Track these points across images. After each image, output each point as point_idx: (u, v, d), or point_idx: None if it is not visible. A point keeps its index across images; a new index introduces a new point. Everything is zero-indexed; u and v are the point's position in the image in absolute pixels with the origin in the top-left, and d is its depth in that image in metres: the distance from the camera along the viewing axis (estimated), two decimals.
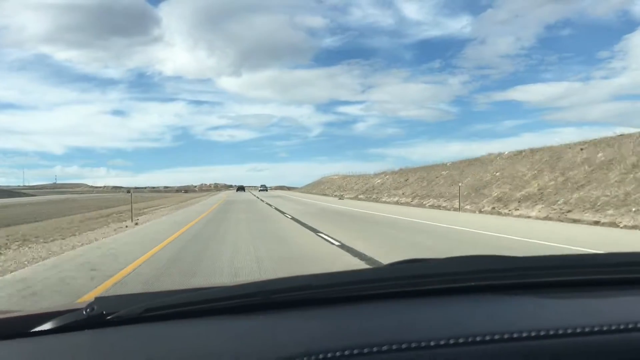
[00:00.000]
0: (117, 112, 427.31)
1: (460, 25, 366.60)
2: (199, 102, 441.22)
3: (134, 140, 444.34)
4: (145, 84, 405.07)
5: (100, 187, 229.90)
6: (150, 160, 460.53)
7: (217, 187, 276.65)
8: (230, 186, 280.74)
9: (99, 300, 1.01)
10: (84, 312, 0.97)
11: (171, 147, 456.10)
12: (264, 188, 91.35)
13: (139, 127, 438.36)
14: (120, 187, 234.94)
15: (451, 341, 0.80)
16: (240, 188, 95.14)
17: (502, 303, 1.06)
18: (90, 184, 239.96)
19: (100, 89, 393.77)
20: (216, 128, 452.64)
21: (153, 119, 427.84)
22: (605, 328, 0.84)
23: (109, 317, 0.96)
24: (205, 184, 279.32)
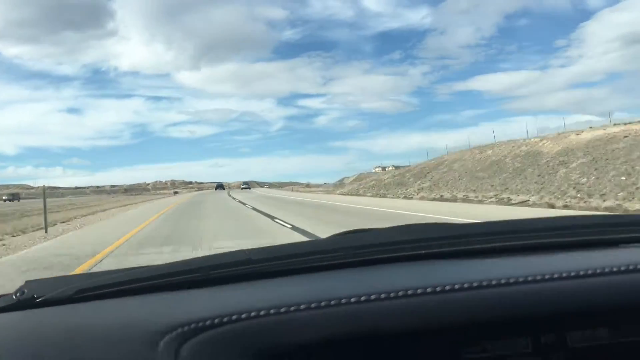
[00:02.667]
0: (73, 110, 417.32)
1: (420, 15, 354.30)
2: (157, 98, 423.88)
3: (91, 138, 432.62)
4: (100, 80, 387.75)
5: (38, 187, 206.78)
6: (108, 159, 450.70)
7: (174, 185, 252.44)
8: (190, 183, 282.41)
9: (29, 283, 1.00)
10: (14, 297, 0.96)
11: (130, 144, 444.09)
12: (247, 186, 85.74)
13: (96, 125, 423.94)
14: (58, 188, 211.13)
15: (382, 296, 0.81)
16: (219, 186, 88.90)
17: (444, 266, 1.05)
18: (32, 184, 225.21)
19: (54, 86, 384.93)
20: (176, 124, 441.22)
21: (110, 116, 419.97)
22: (537, 278, 0.86)
23: (38, 300, 0.95)
24: (161, 182, 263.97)
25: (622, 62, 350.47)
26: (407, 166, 44.98)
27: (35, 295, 0.95)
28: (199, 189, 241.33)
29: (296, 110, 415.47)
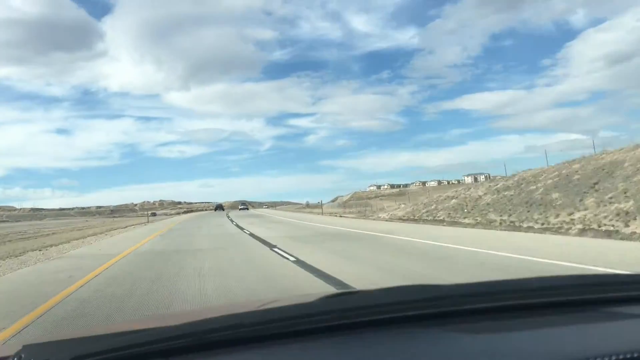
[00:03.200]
0: (62, 131, 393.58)
1: (407, 36, 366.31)
2: (147, 119, 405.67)
3: (80, 159, 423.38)
4: (90, 101, 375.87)
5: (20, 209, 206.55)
6: (98, 179, 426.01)
7: (163, 206, 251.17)
8: (179, 203, 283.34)
9: (26, 348, 1.00)
10: None
11: (119, 165, 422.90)
12: (245, 206, 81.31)
13: (85, 146, 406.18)
14: (41, 209, 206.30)
15: None
16: (219, 207, 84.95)
17: (428, 338, 1.09)
18: (17, 206, 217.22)
19: (43, 107, 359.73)
20: (165, 144, 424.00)
21: (99, 136, 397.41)
22: None
23: None
24: (149, 202, 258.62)
25: (606, 81, 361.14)
26: (505, 176, 27.52)
27: None
28: (189, 209, 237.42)
29: (285, 129, 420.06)
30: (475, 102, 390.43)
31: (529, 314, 1.17)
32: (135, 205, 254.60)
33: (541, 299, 1.21)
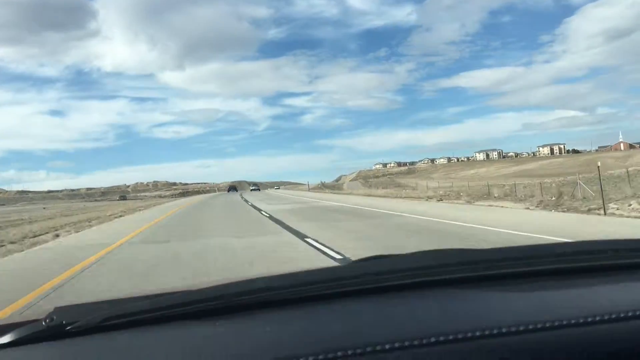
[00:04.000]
0: (56, 112, 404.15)
1: (405, 12, 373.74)
2: (141, 99, 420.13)
3: (75, 140, 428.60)
4: (84, 82, 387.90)
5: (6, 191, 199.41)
6: (93, 161, 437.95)
7: (157, 187, 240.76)
8: (174, 184, 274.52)
9: (58, 310, 1.01)
10: (43, 323, 0.97)
11: (114, 146, 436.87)
12: (256, 187, 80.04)
13: (80, 127, 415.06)
14: (27, 192, 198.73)
15: (416, 342, 0.82)
16: (232, 188, 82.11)
17: (466, 298, 1.08)
18: (7, 189, 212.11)
19: (36, 88, 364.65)
20: (161, 125, 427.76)
21: (94, 117, 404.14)
22: (573, 321, 0.87)
23: (68, 328, 0.96)
24: (142, 183, 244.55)
25: (605, 57, 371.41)
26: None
27: (64, 322, 0.97)
28: (184, 191, 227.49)
29: (282, 109, 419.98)
30: (473, 79, 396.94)
31: (565, 277, 1.18)
32: (128, 187, 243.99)
33: (577, 263, 1.23)
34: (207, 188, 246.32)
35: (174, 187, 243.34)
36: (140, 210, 30.05)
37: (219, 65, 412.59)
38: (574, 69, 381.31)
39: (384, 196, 31.84)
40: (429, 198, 24.59)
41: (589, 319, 0.88)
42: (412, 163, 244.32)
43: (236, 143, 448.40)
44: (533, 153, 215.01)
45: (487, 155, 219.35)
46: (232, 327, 0.98)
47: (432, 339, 0.82)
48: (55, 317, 0.97)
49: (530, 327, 0.85)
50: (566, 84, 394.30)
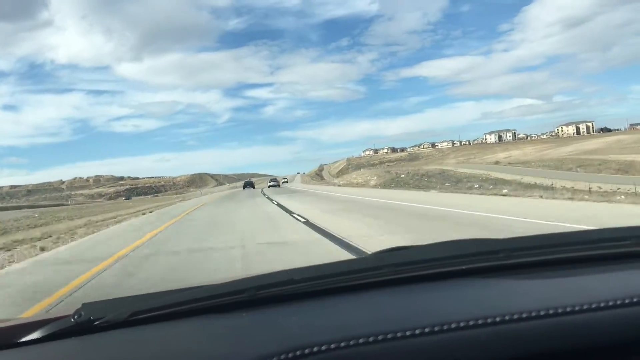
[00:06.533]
0: (8, 107, 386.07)
1: (366, 1, 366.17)
2: (98, 92, 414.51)
3: (29, 136, 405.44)
4: (37, 75, 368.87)
5: None
6: (48, 156, 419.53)
7: (99, 182, 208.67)
8: (121, 179, 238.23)
9: (86, 306, 1.02)
10: (72, 319, 0.99)
11: (71, 141, 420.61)
12: (276, 183, 63.66)
13: (34, 122, 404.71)
14: None
15: (436, 328, 0.83)
16: (249, 184, 66.81)
17: (487, 286, 1.09)
18: None
19: None
20: (119, 118, 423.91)
21: (49, 112, 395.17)
22: (594, 306, 0.88)
23: (96, 323, 0.99)
24: (81, 178, 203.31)
25: (562, 45, 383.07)
26: None
27: (92, 318, 0.99)
28: (133, 186, 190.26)
29: (243, 100, 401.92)
30: (434, 69, 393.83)
31: (587, 265, 1.18)
32: (63, 183, 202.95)
33: (601, 250, 1.21)
34: (162, 183, 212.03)
35: (121, 182, 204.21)
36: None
37: (178, 56, 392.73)
38: (532, 57, 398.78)
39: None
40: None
41: (611, 303, 0.88)
42: (403, 149, 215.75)
43: (197, 136, 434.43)
44: (553, 133, 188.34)
45: (500, 137, 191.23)
46: (258, 318, 1.00)
47: (454, 325, 0.83)
48: (83, 313, 0.99)
49: (552, 311, 0.86)
50: (524, 72, 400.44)
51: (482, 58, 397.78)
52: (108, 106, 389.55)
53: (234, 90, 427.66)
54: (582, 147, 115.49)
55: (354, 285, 1.10)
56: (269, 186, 58.85)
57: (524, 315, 0.85)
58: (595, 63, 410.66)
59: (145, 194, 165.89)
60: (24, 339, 0.99)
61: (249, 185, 66.72)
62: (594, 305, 0.87)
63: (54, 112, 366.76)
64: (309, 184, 52.47)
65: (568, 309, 0.86)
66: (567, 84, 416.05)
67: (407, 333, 0.81)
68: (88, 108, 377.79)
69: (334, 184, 60.63)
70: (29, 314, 4.09)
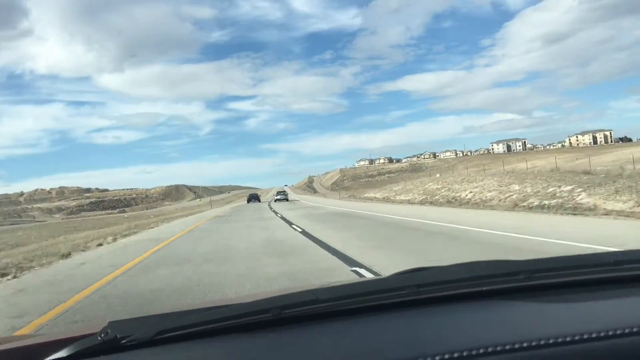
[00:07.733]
0: None
1: (349, 15, 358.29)
2: (78, 103, 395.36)
3: (7, 147, 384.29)
4: (16, 85, 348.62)
5: None
6: (26, 168, 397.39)
7: (63, 195, 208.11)
8: (88, 191, 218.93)
9: (112, 324, 1.03)
10: (99, 338, 1.00)
11: (50, 152, 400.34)
12: (284, 196, 57.31)
13: (12, 133, 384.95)
14: None
15: (465, 353, 0.83)
16: (253, 197, 63.94)
17: (508, 309, 1.10)
18: None
19: None
20: (99, 130, 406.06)
21: (27, 123, 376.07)
22: (611, 333, 0.88)
23: (123, 342, 0.99)
24: (43, 190, 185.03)
25: (542, 61, 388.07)
26: None
27: (119, 336, 0.99)
28: (99, 199, 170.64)
29: (225, 113, 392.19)
30: (416, 83, 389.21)
31: (608, 287, 1.17)
32: (22, 195, 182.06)
33: (618, 273, 1.21)
34: (133, 195, 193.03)
35: (87, 194, 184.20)
36: None
37: (160, 67, 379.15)
38: (513, 73, 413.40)
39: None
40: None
41: (635, 329, 0.87)
42: (399, 160, 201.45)
43: (178, 148, 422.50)
44: (562, 144, 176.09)
45: (509, 147, 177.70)
46: (285, 337, 1.01)
47: (482, 350, 0.83)
48: (109, 331, 1.00)
49: (576, 337, 0.86)
50: (505, 87, 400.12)
51: (464, 73, 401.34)
52: (88, 117, 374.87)
53: (216, 102, 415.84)
54: (624, 155, 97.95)
55: (377, 305, 1.10)
56: (276, 200, 54.23)
57: (550, 341, 0.85)
58: (574, 79, 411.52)
59: (113, 207, 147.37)
60: (51, 357, 0.98)
61: (254, 198, 63.31)
62: (618, 332, 0.87)
63: (33, 123, 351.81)
64: (314, 195, 47.23)
65: (594, 335, 0.86)
66: (547, 99, 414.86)
67: (437, 358, 0.82)
68: (68, 119, 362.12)
69: (340, 198, 52.19)
70: None
